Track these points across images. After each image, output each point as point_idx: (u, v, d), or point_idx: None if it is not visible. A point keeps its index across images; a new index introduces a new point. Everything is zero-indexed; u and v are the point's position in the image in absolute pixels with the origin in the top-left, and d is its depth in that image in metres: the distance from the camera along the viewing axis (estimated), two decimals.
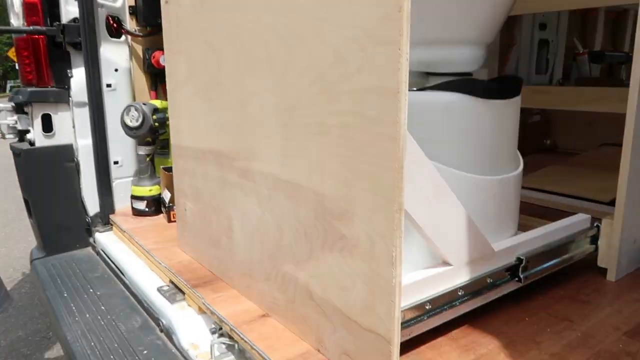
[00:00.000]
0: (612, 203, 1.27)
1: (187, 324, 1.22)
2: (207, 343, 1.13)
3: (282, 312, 1.05)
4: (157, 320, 1.31)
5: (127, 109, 1.78)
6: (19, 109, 1.87)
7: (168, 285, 1.40)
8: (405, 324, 0.90)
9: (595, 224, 1.26)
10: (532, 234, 1.14)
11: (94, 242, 1.90)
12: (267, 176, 1.02)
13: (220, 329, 1.15)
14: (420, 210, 0.87)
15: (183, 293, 1.32)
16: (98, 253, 1.85)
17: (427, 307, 0.92)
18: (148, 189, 1.86)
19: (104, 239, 1.83)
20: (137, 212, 1.88)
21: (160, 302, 1.32)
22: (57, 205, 1.90)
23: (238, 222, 1.16)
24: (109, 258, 1.74)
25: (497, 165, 1.09)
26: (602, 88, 1.88)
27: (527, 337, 1.00)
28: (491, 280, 1.03)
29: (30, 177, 1.83)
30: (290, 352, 0.96)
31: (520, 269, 1.08)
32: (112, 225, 1.89)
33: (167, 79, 1.41)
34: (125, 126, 1.78)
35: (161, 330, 1.30)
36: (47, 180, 1.86)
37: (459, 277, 0.98)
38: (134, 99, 1.96)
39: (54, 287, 1.61)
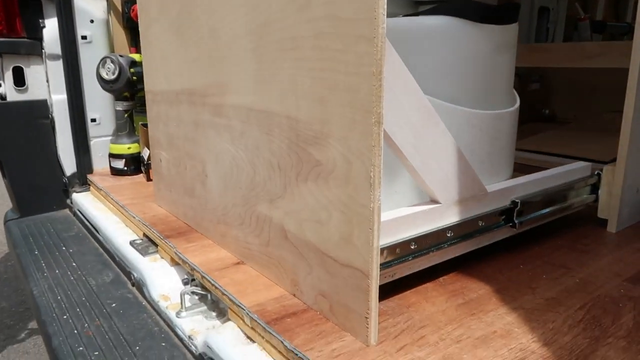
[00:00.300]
0: (613, 162, 1.18)
1: (158, 276, 1.14)
2: (179, 294, 1.05)
3: (257, 257, 0.97)
4: (128, 274, 1.23)
5: (103, 60, 1.68)
6: None
7: (141, 239, 1.32)
8: (387, 264, 0.82)
9: (596, 172, 1.18)
10: (528, 177, 1.06)
11: (71, 202, 1.81)
12: (240, 109, 0.93)
13: (193, 279, 1.07)
14: (405, 138, 0.78)
15: (156, 245, 1.24)
16: (75, 214, 1.77)
17: (412, 247, 0.84)
18: (126, 147, 1.77)
19: (81, 199, 1.74)
20: (115, 172, 1.79)
21: (132, 256, 1.25)
22: (32, 165, 1.81)
23: (212, 166, 1.08)
24: (84, 217, 1.66)
25: (492, 99, 1.00)
26: (605, 42, 1.79)
27: (521, 283, 0.92)
28: (483, 224, 0.95)
29: (1, 134, 1.74)
30: (263, 297, 0.88)
31: (515, 213, 1.00)
32: (89, 185, 1.81)
33: (139, 18, 1.31)
34: (100, 79, 1.69)
35: (133, 284, 1.22)
36: (20, 138, 1.76)
37: (447, 217, 0.90)
38: None
39: (25, 245, 1.53)
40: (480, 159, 1.00)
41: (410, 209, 0.85)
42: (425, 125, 0.80)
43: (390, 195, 1.00)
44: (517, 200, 1.00)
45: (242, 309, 0.85)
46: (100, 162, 1.87)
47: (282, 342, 0.75)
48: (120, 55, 1.68)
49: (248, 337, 0.86)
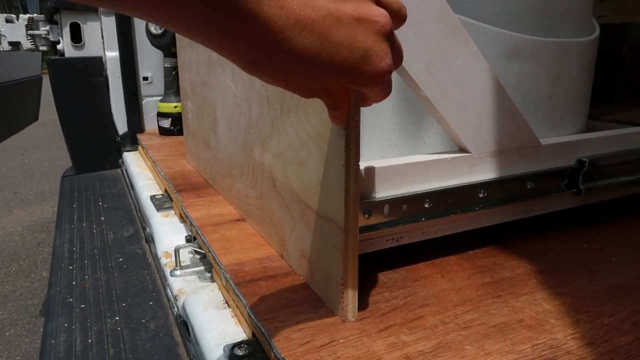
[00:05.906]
0: None
1: (166, 232, 1.04)
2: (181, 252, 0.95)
3: (254, 213, 0.84)
4: (144, 230, 1.16)
5: None
6: (50, 18, 1.80)
7: (162, 194, 1.24)
8: (389, 223, 0.64)
9: None
10: (604, 133, 0.82)
11: (122, 162, 1.80)
12: None
13: (195, 238, 0.96)
14: (415, 56, 0.60)
15: (172, 200, 1.15)
16: (122, 172, 1.76)
17: (426, 206, 0.66)
18: (173, 105, 1.71)
19: (129, 158, 1.72)
20: (162, 131, 1.75)
21: (148, 210, 1.17)
22: (87, 123, 1.82)
23: (220, 110, 0.96)
24: (127, 175, 1.63)
25: (558, 25, 0.77)
26: None
27: (578, 265, 0.70)
28: (533, 185, 0.74)
29: (59, 90, 1.76)
30: (247, 256, 0.74)
31: (581, 176, 0.77)
32: (139, 144, 1.78)
33: None
34: (149, 34, 1.64)
35: (146, 240, 1.15)
36: (76, 95, 1.78)
37: (479, 171, 0.70)
38: None
39: (67, 199, 1.53)
40: (536, 103, 0.78)
41: (425, 156, 0.67)
42: (446, 42, 0.61)
43: (416, 147, 0.81)
44: (584, 159, 0.76)
45: (220, 267, 0.72)
46: (153, 122, 1.84)
47: (245, 306, 0.61)
48: None
49: (226, 301, 0.73)
